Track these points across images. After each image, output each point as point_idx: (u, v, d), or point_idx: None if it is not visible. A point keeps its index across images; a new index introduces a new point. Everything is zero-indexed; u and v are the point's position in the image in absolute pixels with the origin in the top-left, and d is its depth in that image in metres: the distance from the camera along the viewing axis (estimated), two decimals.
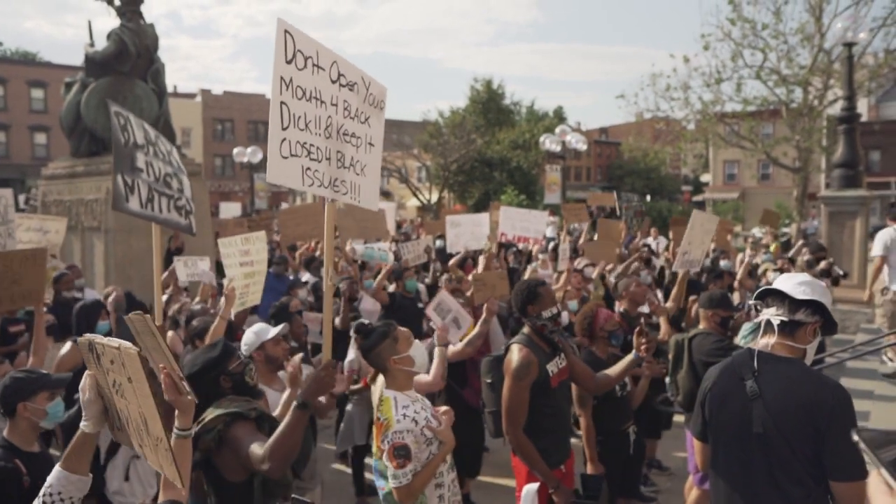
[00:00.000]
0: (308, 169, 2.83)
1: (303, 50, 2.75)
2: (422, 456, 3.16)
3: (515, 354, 3.73)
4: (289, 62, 2.68)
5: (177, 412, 2.24)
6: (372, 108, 3.19)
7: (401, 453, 3.08)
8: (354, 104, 3.07)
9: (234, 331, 5.23)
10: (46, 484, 2.02)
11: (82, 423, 2.05)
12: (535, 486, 3.62)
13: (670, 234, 15.93)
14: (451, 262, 9.41)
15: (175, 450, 2.13)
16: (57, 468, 2.04)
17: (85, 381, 2.04)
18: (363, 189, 3.18)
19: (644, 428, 5.16)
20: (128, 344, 1.89)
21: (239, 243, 5.53)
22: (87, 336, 2.05)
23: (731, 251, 11.21)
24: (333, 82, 2.93)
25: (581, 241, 13.08)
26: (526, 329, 3.90)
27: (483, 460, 5.90)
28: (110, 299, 5.37)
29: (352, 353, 5.72)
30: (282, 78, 2.66)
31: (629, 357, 3.95)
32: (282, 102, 2.67)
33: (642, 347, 3.84)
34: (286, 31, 2.66)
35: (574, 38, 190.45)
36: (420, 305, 7.24)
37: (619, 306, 5.92)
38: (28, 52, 54.21)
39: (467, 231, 10.34)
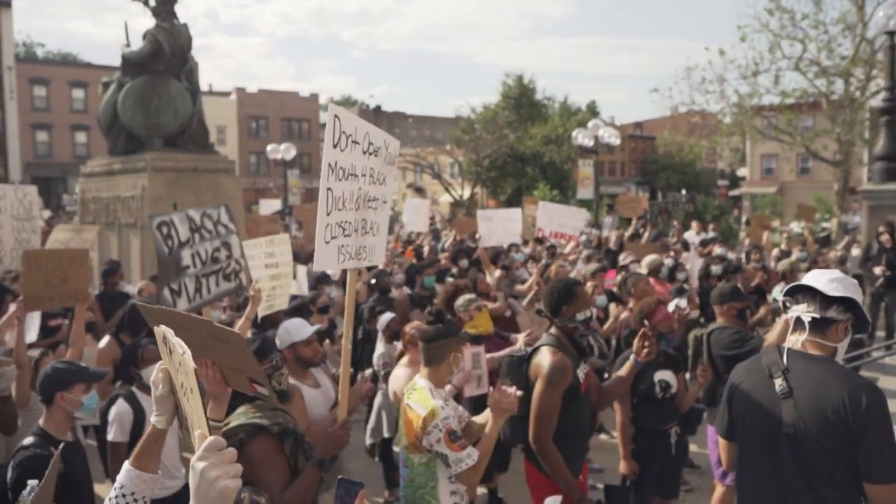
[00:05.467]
0: (343, 246, 2.97)
1: (346, 130, 2.87)
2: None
3: (548, 357, 3.48)
4: (335, 146, 2.81)
5: (211, 404, 2.20)
6: (388, 167, 3.30)
7: (455, 437, 3.07)
8: (378, 168, 3.19)
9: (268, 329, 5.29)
10: (117, 484, 1.93)
11: (154, 419, 1.96)
12: (558, 498, 3.38)
13: (710, 230, 15.75)
14: (481, 255, 9.35)
15: None
16: (127, 466, 1.94)
17: (157, 375, 1.94)
18: (376, 248, 3.31)
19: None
20: (189, 357, 1.78)
21: (263, 245, 5.61)
22: (164, 328, 1.95)
23: (766, 247, 11.00)
24: (364, 153, 3.05)
25: (612, 238, 12.94)
26: (554, 330, 3.65)
27: (512, 455, 5.89)
28: (143, 294, 5.51)
29: (381, 347, 5.77)
30: (329, 164, 2.79)
31: (628, 364, 3.78)
32: (328, 188, 2.80)
33: (643, 352, 3.67)
34: (336, 116, 2.78)
35: (609, 31, 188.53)
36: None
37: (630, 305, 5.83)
38: (69, 53, 55.62)
39: (500, 226, 10.33)
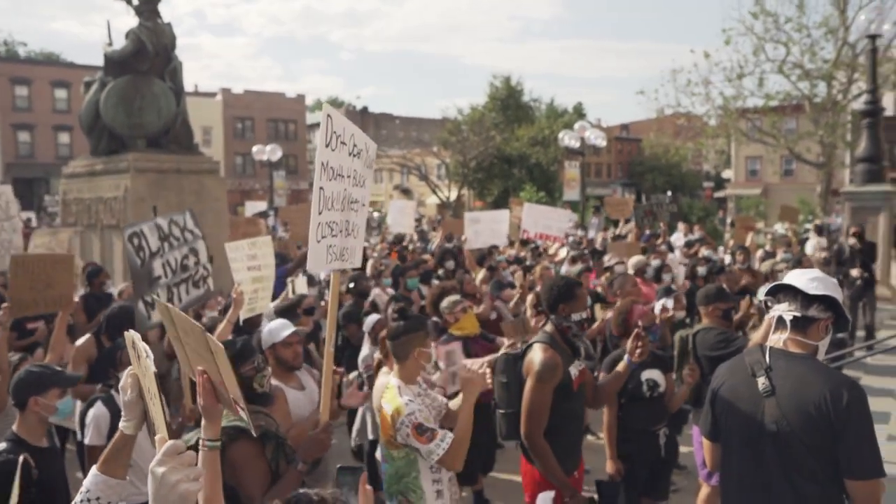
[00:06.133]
0: (331, 246, 3.00)
1: (336, 130, 2.91)
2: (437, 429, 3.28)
3: (539, 355, 3.52)
4: (327, 146, 2.86)
5: (203, 421, 2.14)
6: (368, 171, 3.34)
7: (423, 430, 3.15)
8: (360, 171, 3.22)
9: (249, 332, 5.23)
10: (83, 488, 1.90)
11: (122, 424, 1.93)
12: (550, 494, 3.48)
13: (695, 231, 15.84)
14: (467, 256, 9.35)
15: (202, 465, 2.05)
16: (94, 471, 1.92)
17: (126, 380, 1.92)
18: (356, 250, 3.33)
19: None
20: (151, 362, 1.77)
21: (245, 248, 5.55)
22: (132, 333, 1.93)
23: (750, 248, 11.07)
24: (350, 154, 3.09)
25: (598, 239, 12.99)
26: (549, 327, 3.68)
27: (497, 456, 5.88)
28: (124, 296, 5.46)
29: (366, 349, 5.74)
30: (322, 163, 2.84)
31: (622, 364, 3.82)
32: (320, 188, 2.84)
33: (636, 352, 3.70)
34: (328, 115, 2.83)
35: (597, 34, 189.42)
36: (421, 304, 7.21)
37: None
38: (51, 52, 55.07)
39: (487, 228, 10.32)
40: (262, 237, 6.00)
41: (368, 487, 2.15)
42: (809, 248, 12.48)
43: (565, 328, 3.64)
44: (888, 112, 22.38)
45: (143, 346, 1.84)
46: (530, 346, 3.66)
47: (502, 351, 5.18)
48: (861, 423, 2.41)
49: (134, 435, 1.93)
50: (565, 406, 3.56)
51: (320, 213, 2.87)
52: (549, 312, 3.72)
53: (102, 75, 11.04)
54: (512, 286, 7.95)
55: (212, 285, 4.81)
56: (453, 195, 39.95)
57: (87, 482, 1.91)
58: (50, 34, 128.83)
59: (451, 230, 13.50)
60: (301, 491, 1.77)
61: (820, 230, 13.52)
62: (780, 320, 2.63)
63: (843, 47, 20.35)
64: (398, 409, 3.22)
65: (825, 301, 2.57)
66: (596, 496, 3.82)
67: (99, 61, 11.28)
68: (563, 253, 10.44)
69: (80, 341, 5.03)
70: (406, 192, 46.65)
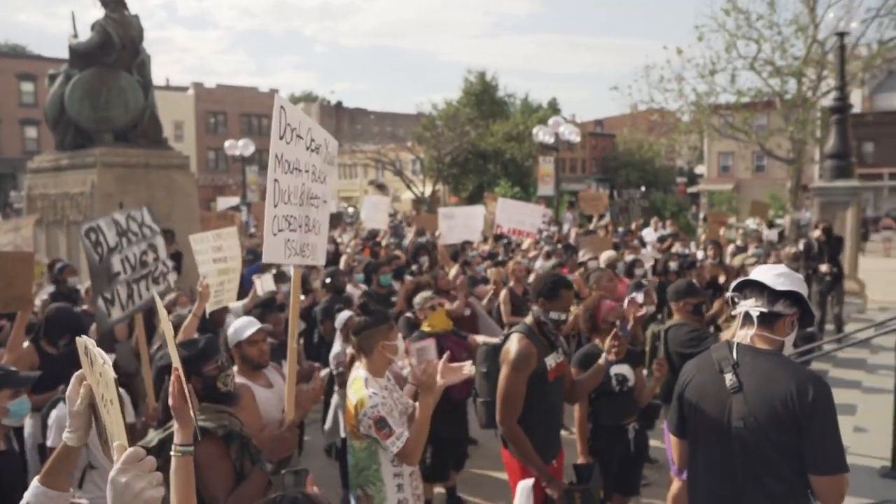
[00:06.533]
0: (289, 240, 3.00)
1: (290, 123, 2.89)
2: (401, 426, 3.32)
3: (514, 344, 3.65)
4: (281, 138, 2.83)
5: (175, 425, 2.10)
6: (328, 167, 3.34)
7: (382, 425, 3.21)
8: (319, 166, 3.21)
9: (214, 330, 5.14)
10: (24, 500, 1.86)
11: (65, 435, 1.86)
12: (530, 481, 3.56)
13: (667, 226, 15.97)
14: (440, 252, 9.32)
15: (175, 471, 2.03)
16: (35, 483, 1.87)
17: (73, 389, 1.83)
18: (318, 247, 3.32)
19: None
20: (110, 368, 1.71)
21: (210, 239, 5.47)
22: (85, 339, 1.86)
23: (722, 242, 11.20)
24: (307, 149, 3.07)
25: (572, 234, 13.04)
26: (528, 319, 3.82)
27: (471, 453, 5.86)
28: (89, 294, 5.33)
29: (338, 346, 5.68)
30: (276, 155, 2.82)
31: (598, 362, 3.91)
32: (275, 180, 2.83)
33: (613, 351, 3.78)
34: (281, 107, 2.81)
35: (572, 29, 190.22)
36: (394, 300, 7.18)
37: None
38: (17, 45, 53.86)
39: (461, 223, 10.28)
40: (228, 228, 5.90)
41: (314, 488, 2.11)
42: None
43: (542, 323, 3.76)
44: (856, 109, 22.86)
45: (97, 351, 1.78)
46: (508, 336, 3.80)
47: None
48: (826, 418, 2.41)
49: (77, 447, 1.87)
50: (543, 398, 3.65)
51: (276, 206, 2.86)
52: (532, 302, 3.85)
53: (67, 68, 10.78)
54: (485, 282, 7.95)
55: (172, 282, 4.72)
56: (428, 190, 39.90)
57: (27, 494, 1.86)
58: (16, 26, 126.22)
59: (424, 226, 13.45)
60: (283, 493, 1.75)
61: (771, 224, 13.96)
62: (747, 316, 2.64)
63: (812, 45, 20.67)
64: (362, 400, 3.29)
65: (791, 297, 2.57)
66: (574, 479, 3.90)
67: (66, 54, 11.02)
68: (526, 243, 10.48)
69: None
70: (381, 188, 46.45)
